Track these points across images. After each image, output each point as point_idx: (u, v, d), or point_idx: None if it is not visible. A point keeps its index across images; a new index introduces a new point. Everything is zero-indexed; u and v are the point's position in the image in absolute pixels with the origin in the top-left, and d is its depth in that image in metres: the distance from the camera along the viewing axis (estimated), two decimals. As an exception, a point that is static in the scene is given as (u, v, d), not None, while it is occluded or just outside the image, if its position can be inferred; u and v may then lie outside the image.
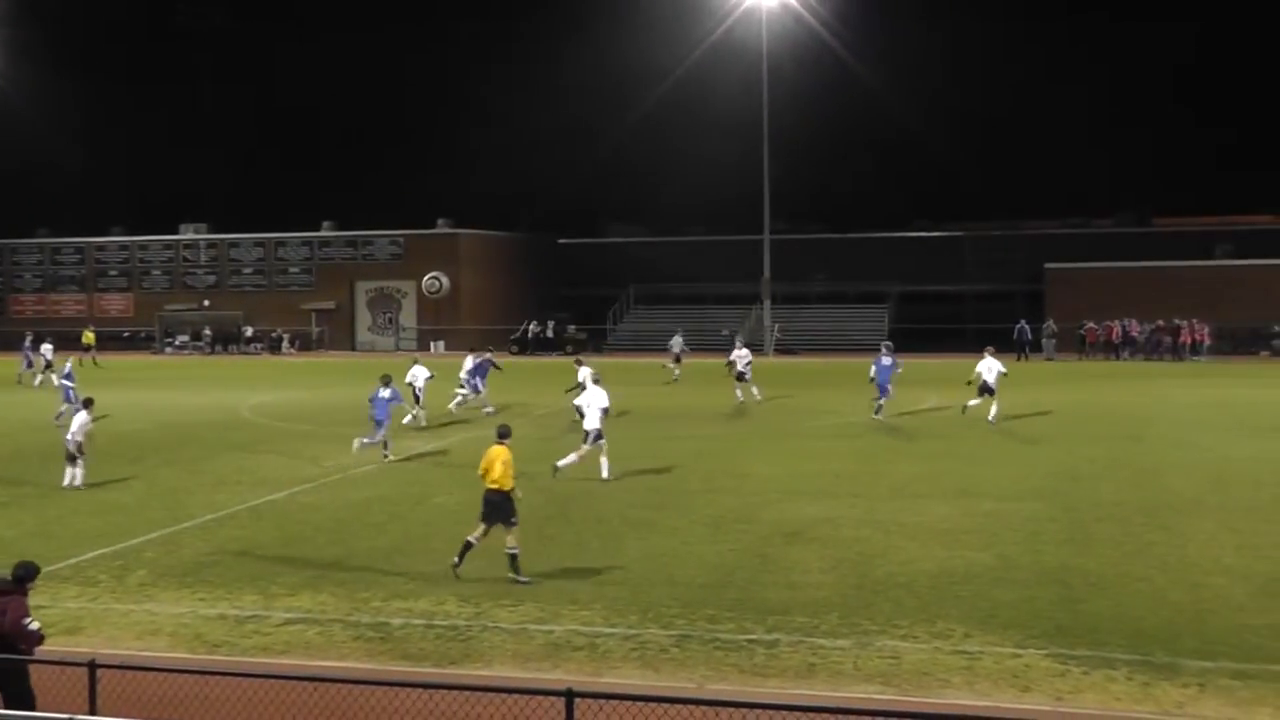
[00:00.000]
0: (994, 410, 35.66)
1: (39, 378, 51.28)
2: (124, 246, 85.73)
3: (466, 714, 10.83)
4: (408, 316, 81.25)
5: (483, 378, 40.61)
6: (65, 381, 40.08)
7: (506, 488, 18.23)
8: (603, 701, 10.10)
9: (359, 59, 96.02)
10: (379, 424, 29.84)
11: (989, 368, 36.48)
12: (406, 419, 35.70)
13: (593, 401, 27.08)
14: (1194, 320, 65.64)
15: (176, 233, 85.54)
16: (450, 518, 22.90)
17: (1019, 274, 78.64)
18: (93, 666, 10.65)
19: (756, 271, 74.51)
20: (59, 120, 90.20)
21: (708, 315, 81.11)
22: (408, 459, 30.27)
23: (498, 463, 18.28)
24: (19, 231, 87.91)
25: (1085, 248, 77.04)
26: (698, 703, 10.15)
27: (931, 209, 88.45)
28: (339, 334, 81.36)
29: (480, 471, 18.59)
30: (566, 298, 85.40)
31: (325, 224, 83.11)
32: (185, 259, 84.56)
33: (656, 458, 30.24)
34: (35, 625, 11.90)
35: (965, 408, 36.60)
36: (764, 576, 18.33)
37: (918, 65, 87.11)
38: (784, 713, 10.34)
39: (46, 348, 53.27)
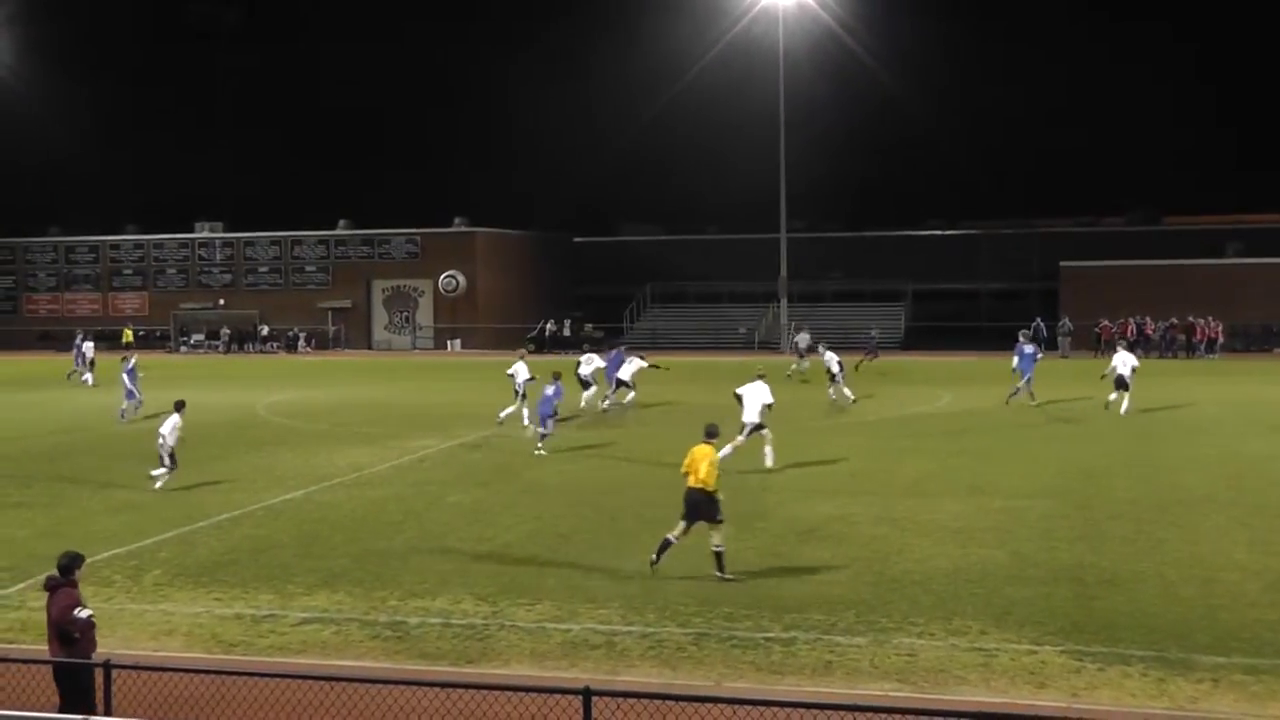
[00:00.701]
0: (1126, 405, 36.07)
1: (87, 376, 51.23)
2: (139, 245, 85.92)
3: (484, 713, 10.88)
4: (424, 315, 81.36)
5: (615, 369, 39.76)
6: (127, 378, 39.91)
7: (711, 487, 18.05)
8: (620, 700, 10.14)
9: (376, 58, 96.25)
10: (544, 419, 30.57)
11: (1123, 362, 36.97)
12: (503, 414, 35.13)
13: (754, 396, 27.44)
14: (1209, 318, 65.52)
15: (191, 231, 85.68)
16: (466, 517, 22.97)
17: (1033, 272, 78.59)
18: (108, 667, 10.70)
19: (773, 270, 74.49)
20: (73, 118, 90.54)
21: (724, 314, 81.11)
22: (421, 457, 30.35)
23: (704, 462, 18.06)
24: (33, 230, 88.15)
25: (1098, 246, 76.95)
26: (715, 701, 10.18)
27: (946, 208, 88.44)
28: (355, 333, 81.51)
29: (683, 470, 18.41)
30: (583, 296, 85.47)
31: (341, 222, 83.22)
32: (200, 257, 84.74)
33: (671, 454, 30.23)
34: (86, 613, 11.84)
35: (1108, 403, 36.88)
36: (780, 574, 18.36)
37: (932, 65, 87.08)
38: (801, 710, 10.38)
39: (88, 346, 53.10)
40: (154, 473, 26.04)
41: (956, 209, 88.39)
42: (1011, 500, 23.75)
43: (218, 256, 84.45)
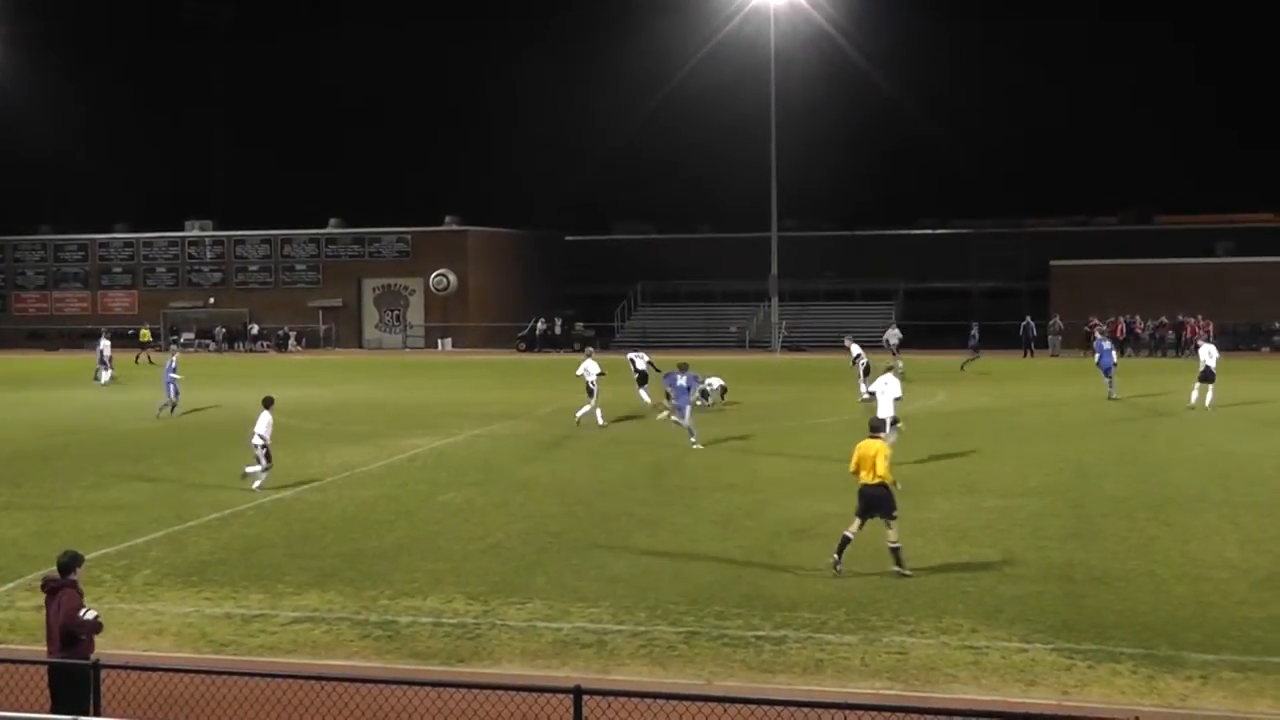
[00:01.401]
0: (1210, 397, 36.58)
1: (104, 374, 51.15)
2: (128, 243, 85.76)
3: (475, 712, 10.87)
4: (415, 314, 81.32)
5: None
6: (172, 375, 40.31)
7: (888, 480, 18.04)
8: (611, 699, 10.14)
9: (367, 56, 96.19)
10: (681, 410, 31.43)
11: (1210, 353, 37.44)
12: (581, 412, 35.21)
13: (887, 391, 27.93)
14: (1199, 317, 65.70)
15: (181, 229, 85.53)
16: (457, 516, 22.96)
17: (1024, 271, 78.78)
18: (96, 667, 10.66)
19: (764, 269, 74.53)
20: (62, 116, 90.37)
21: (715, 313, 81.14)
22: (412, 456, 30.33)
23: (879, 457, 17.99)
24: (22, 228, 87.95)
25: (1088, 245, 77.14)
26: (706, 699, 10.18)
27: (937, 207, 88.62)
28: (346, 331, 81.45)
29: (852, 468, 18.36)
30: (574, 295, 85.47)
31: (332, 221, 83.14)
32: (190, 256, 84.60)
33: (662, 454, 30.29)
34: (92, 614, 11.78)
35: (1190, 404, 37.10)
36: (771, 573, 18.36)
37: (924, 65, 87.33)
38: (792, 709, 10.39)
39: (105, 344, 52.99)
40: (248, 470, 25.72)
41: (948, 208, 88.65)
42: (1003, 499, 23.78)
43: (208, 255, 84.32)
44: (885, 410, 27.20)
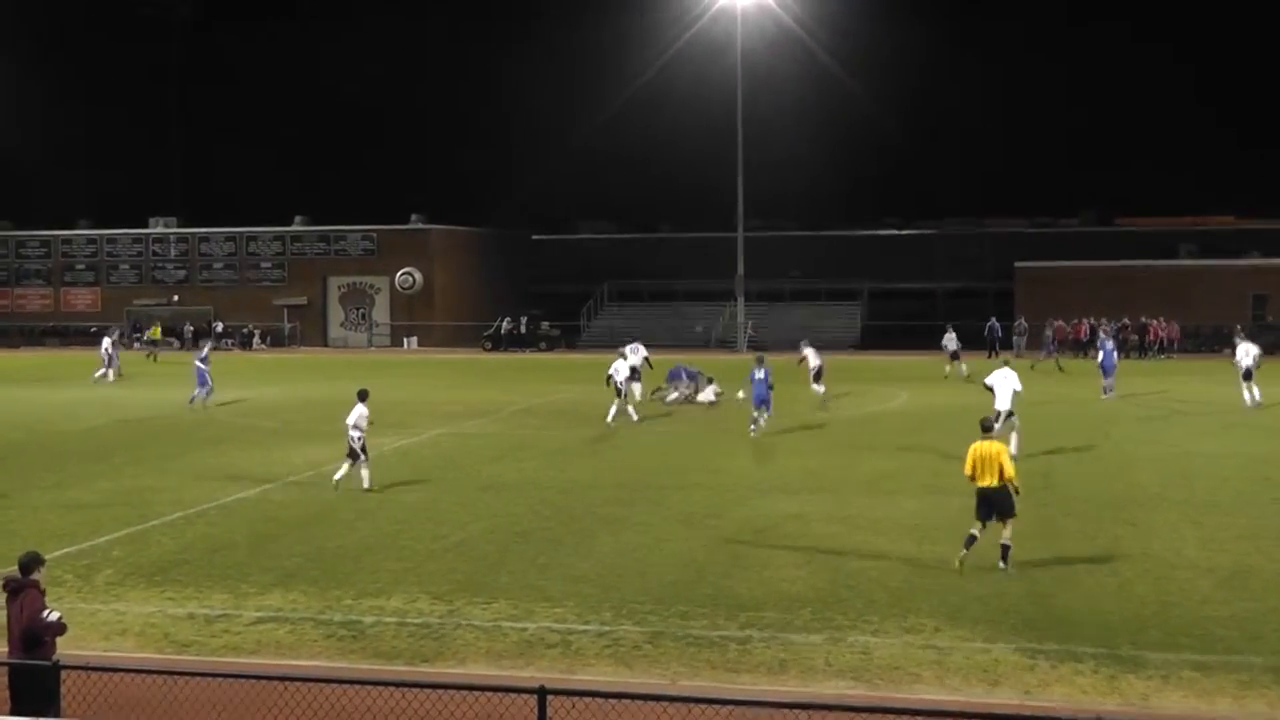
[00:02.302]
0: (1257, 394, 37.38)
1: (106, 372, 51.00)
2: (91, 240, 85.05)
3: (439, 712, 10.83)
4: (380, 312, 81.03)
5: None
6: (201, 366, 41.29)
7: (1014, 482, 18.13)
8: (576, 699, 10.12)
9: (331, 53, 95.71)
10: (759, 402, 32.34)
11: (1246, 351, 37.87)
12: (611, 413, 35.37)
13: (1005, 384, 28.51)
14: (1161, 318, 66.19)
15: (145, 226, 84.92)
16: (422, 515, 22.89)
17: (989, 272, 79.11)
18: (57, 667, 10.57)
19: (730, 269, 74.63)
20: (24, 111, 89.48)
21: (681, 312, 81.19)
22: (376, 455, 30.20)
23: (1005, 459, 18.11)
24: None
25: (1052, 247, 77.55)
26: (671, 699, 10.18)
27: (903, 208, 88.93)
28: (311, 330, 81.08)
29: (968, 470, 18.33)
30: (540, 294, 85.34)
31: (297, 218, 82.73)
32: (154, 253, 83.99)
33: (627, 454, 30.30)
34: (55, 615, 11.66)
35: (1244, 403, 37.45)
36: (736, 572, 18.39)
37: (890, 65, 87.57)
38: (757, 709, 10.40)
39: (107, 342, 53.13)
40: (340, 474, 25.21)
41: (913, 209, 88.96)
42: (967, 498, 23.70)
43: (172, 252, 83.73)
44: (1003, 403, 28.04)
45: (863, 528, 21.25)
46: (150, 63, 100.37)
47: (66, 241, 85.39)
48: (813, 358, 40.51)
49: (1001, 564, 18.13)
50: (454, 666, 14.55)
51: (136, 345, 79.38)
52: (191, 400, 40.81)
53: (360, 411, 25.25)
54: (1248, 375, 37.71)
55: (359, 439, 24.95)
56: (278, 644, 15.48)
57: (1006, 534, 18.14)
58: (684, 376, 37.55)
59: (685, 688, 13.55)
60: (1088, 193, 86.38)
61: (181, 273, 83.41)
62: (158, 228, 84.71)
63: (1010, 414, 28.09)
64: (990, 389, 29.09)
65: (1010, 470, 18.15)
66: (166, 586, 18.00)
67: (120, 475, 27.45)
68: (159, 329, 71.52)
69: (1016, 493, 18.36)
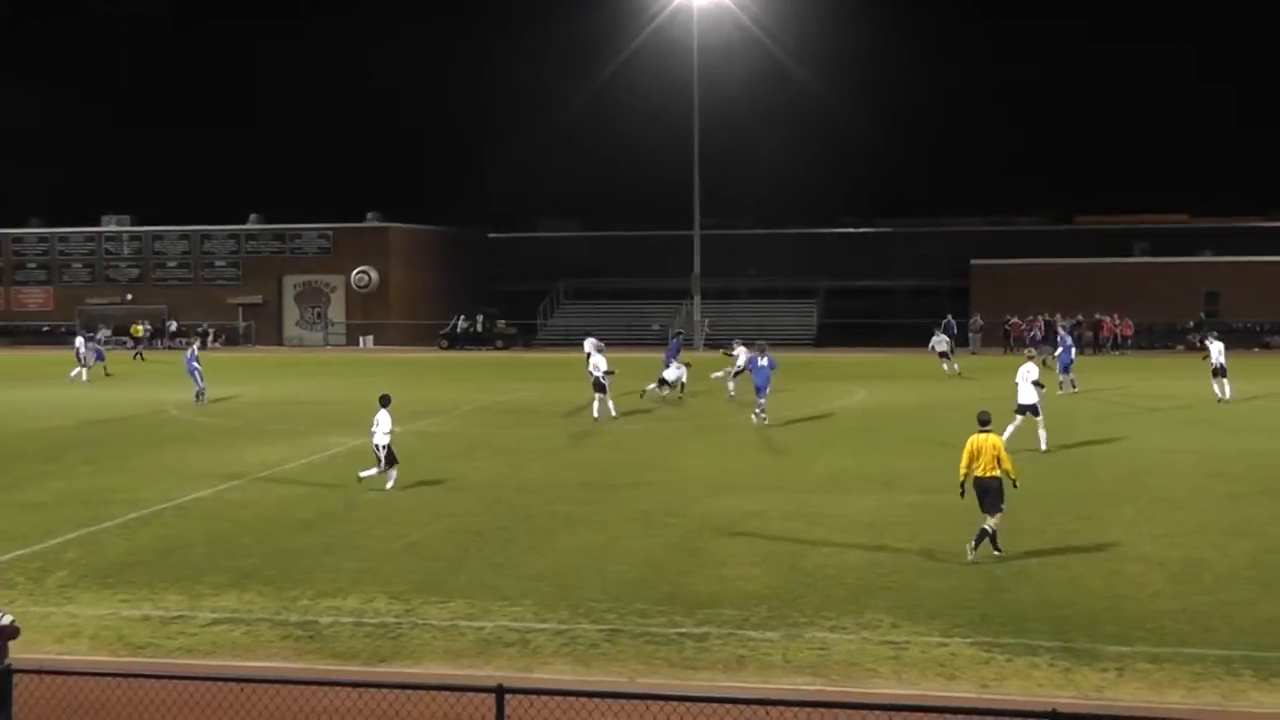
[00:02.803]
0: (1229, 390, 38.41)
1: (79, 370, 50.84)
2: (43, 239, 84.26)
3: (397, 712, 10.80)
4: (336, 311, 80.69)
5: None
6: (194, 364, 42.75)
7: (1011, 474, 18.67)
8: (534, 697, 10.11)
9: (285, 49, 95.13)
10: (760, 389, 34.17)
11: (1219, 350, 39.37)
12: (596, 410, 35.99)
13: (1027, 379, 29.48)
14: (1115, 315, 66.80)
15: (98, 224, 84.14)
16: (379, 514, 22.81)
17: (945, 270, 79.58)
18: (8, 672, 10.45)
19: (687, 267, 74.73)
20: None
21: (638, 310, 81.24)
22: (333, 455, 30.08)
23: (1002, 452, 18.69)
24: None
25: (1009, 245, 78.10)
26: (629, 697, 10.19)
27: (859, 206, 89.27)
28: (266, 329, 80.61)
29: (965, 462, 18.78)
30: (496, 292, 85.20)
31: (252, 217, 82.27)
32: (107, 252, 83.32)
33: (584, 452, 30.29)
34: (7, 619, 11.48)
35: (1218, 398, 38.45)
36: (693, 570, 18.42)
37: (847, 63, 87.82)
38: (715, 705, 10.42)
39: (79, 341, 53.19)
40: (365, 473, 24.97)
41: (869, 207, 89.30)
42: (923, 495, 24.01)
43: (125, 251, 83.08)
44: (1026, 398, 29.16)
45: (820, 525, 21.33)
46: (103, 58, 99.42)
47: (17, 240, 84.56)
48: (740, 357, 40.50)
49: (972, 547, 18.51)
50: (411, 666, 14.50)
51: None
52: (198, 398, 41.96)
53: (384, 418, 24.89)
54: (1221, 372, 38.70)
55: (385, 445, 24.67)
56: (234, 645, 15.38)
57: (992, 523, 18.61)
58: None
59: (643, 685, 13.56)
60: (1044, 192, 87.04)
61: (135, 271, 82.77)
62: (111, 226, 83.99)
63: (1032, 408, 29.17)
64: (1017, 385, 30.17)
65: (1008, 463, 18.72)
66: (121, 588, 17.84)
67: (74, 475, 27.19)
68: (140, 327, 71.13)
69: (1014, 485, 18.86)
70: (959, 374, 48.80)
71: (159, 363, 63.92)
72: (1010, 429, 28.01)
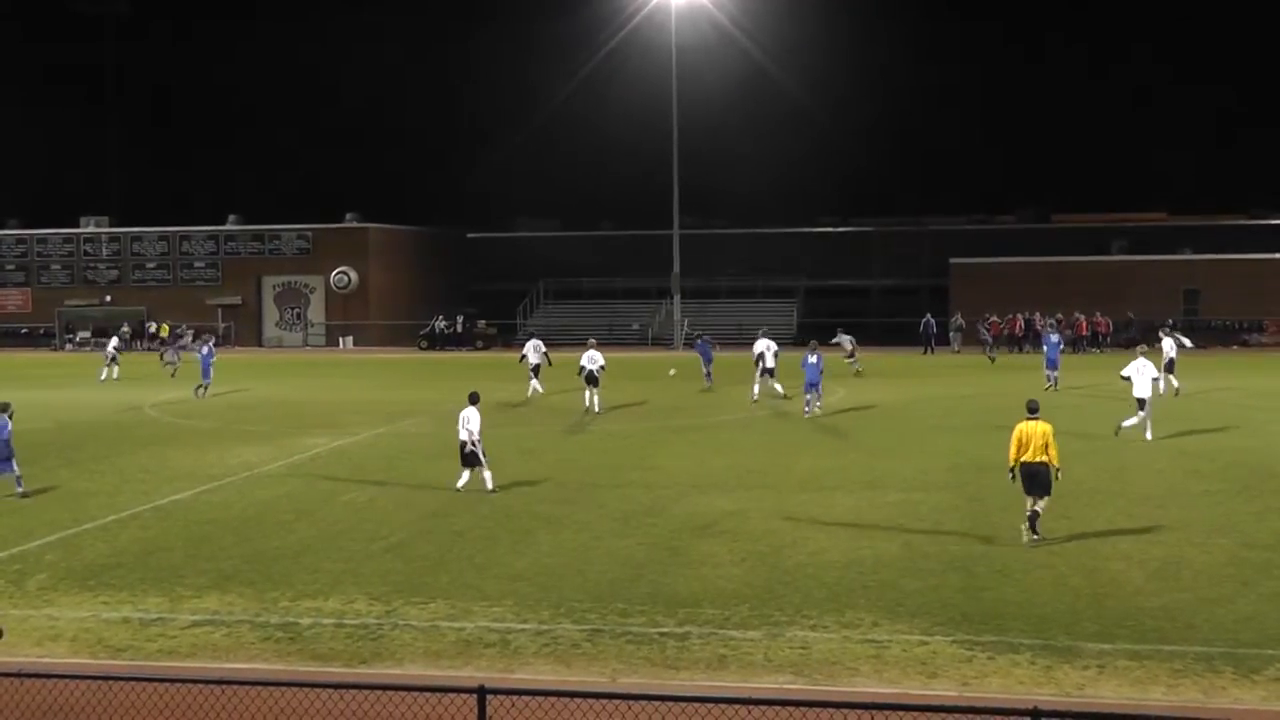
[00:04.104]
0: (1175, 383, 39.83)
1: (106, 372, 51.78)
2: (21, 240, 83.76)
3: (378, 713, 10.78)
4: (316, 312, 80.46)
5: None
6: (209, 360, 44.81)
7: (1055, 464, 19.45)
8: (515, 698, 10.11)
9: (262, 50, 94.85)
10: (811, 385, 35.72)
11: (1171, 345, 41.01)
12: (592, 403, 37.81)
13: (1144, 374, 30.46)
14: (1096, 314, 67.04)
15: (77, 226, 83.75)
16: (359, 515, 22.76)
17: (924, 269, 79.78)
18: (-9, 673, 10.42)
19: (666, 266, 74.74)
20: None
21: (618, 310, 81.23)
22: (313, 456, 30.01)
23: (1050, 441, 19.44)
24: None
25: (988, 244, 78.29)
26: (610, 697, 10.18)
27: (839, 205, 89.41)
28: (245, 330, 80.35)
29: (1013, 449, 19.59)
30: (476, 292, 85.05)
31: (231, 217, 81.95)
32: (86, 253, 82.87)
33: (565, 452, 30.28)
34: None
35: (1176, 391, 39.72)
36: (674, 570, 18.42)
37: (826, 63, 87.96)
38: (696, 705, 10.42)
39: (114, 341, 55.12)
40: (463, 481, 24.49)
41: (849, 206, 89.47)
42: (904, 493, 24.07)
43: (104, 252, 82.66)
44: (1142, 391, 30.29)
45: (800, 524, 21.35)
46: (80, 60, 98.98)
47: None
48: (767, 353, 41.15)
49: (1027, 529, 19.41)
50: (392, 667, 14.48)
51: (69, 346, 78.46)
52: (197, 391, 44.09)
53: (472, 415, 24.38)
54: (1169, 367, 39.83)
55: (475, 443, 24.21)
56: (214, 647, 15.33)
57: (1041, 504, 19.49)
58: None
59: (624, 685, 13.56)
60: (1024, 190, 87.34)
61: (114, 273, 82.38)
62: (89, 227, 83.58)
63: (1143, 403, 30.34)
64: (1128, 379, 30.96)
65: (1055, 453, 19.55)
66: (100, 590, 17.78)
67: (52, 478, 27.05)
68: (167, 328, 71.16)
69: (1057, 477, 19.68)
70: (860, 373, 48.79)
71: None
72: (1133, 421, 30.30)
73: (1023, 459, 19.50)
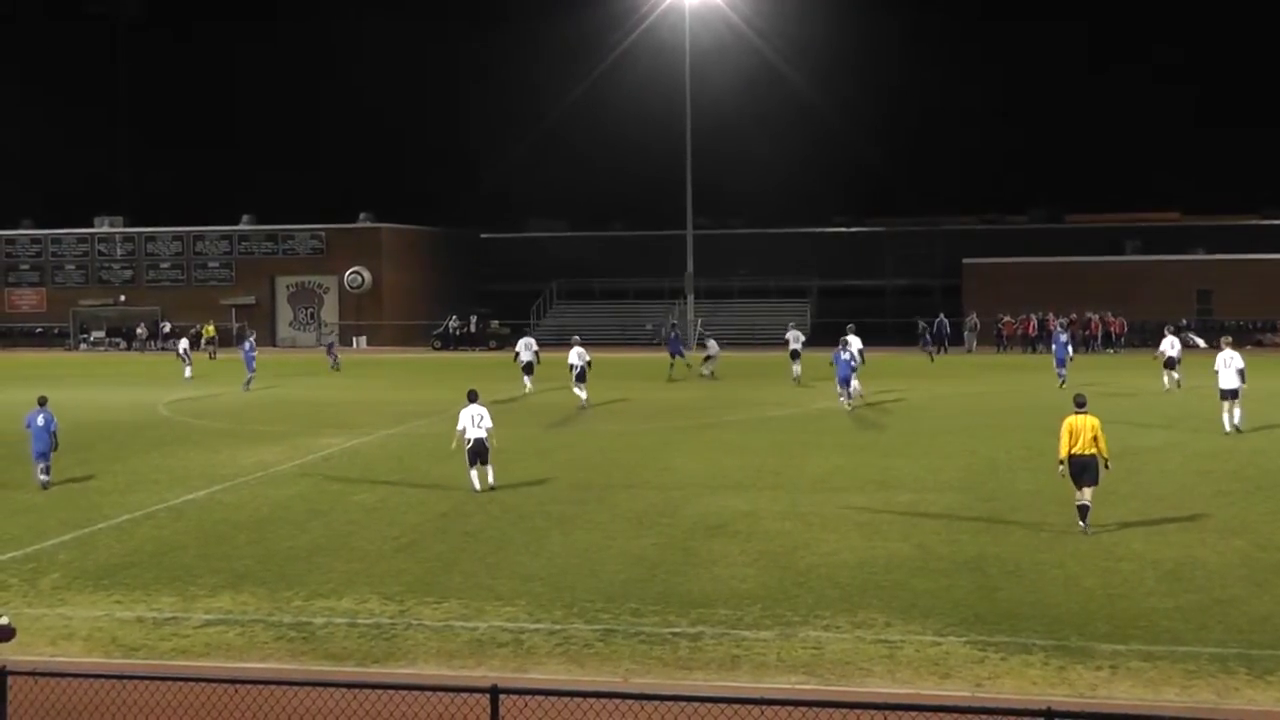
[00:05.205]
0: (1177, 378, 41.19)
1: (187, 370, 53.70)
2: (36, 240, 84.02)
3: (391, 713, 10.80)
4: (329, 312, 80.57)
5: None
6: (251, 355, 47.04)
7: (1105, 455, 20.14)
8: (528, 697, 10.12)
9: (277, 52, 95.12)
10: (845, 380, 37.00)
11: (1172, 344, 41.83)
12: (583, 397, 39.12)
13: (1231, 366, 31.22)
14: (1108, 313, 66.89)
15: (91, 226, 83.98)
16: (372, 515, 22.79)
17: (937, 269, 79.65)
18: (3, 674, 10.45)
19: (679, 266, 74.71)
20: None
21: (630, 310, 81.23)
22: (326, 456, 30.06)
23: (1100, 433, 20.12)
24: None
25: (1001, 244, 78.16)
26: (623, 697, 10.19)
27: (852, 205, 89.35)
28: (259, 330, 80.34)
29: (1064, 442, 20.16)
30: (489, 292, 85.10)
31: (245, 218, 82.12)
32: (100, 253, 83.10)
33: (577, 452, 30.28)
34: (4, 619, 11.45)
35: (1180, 385, 41.02)
36: (687, 570, 18.42)
37: (839, 63, 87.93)
38: (709, 705, 10.43)
39: (184, 343, 57.72)
40: (478, 483, 24.66)
41: (862, 207, 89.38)
42: (917, 494, 24.04)
43: (118, 252, 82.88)
44: (1228, 383, 31.07)
45: (813, 524, 21.34)
46: (95, 60, 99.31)
47: (10, 241, 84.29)
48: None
49: (1081, 524, 20.00)
50: (405, 667, 14.50)
51: (83, 346, 78.69)
52: (247, 385, 46.06)
53: (483, 411, 24.83)
54: (1170, 364, 41.29)
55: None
56: (228, 646, 15.37)
57: (1087, 496, 20.09)
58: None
59: (637, 685, 13.57)
60: (1036, 190, 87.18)
61: (128, 273, 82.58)
62: (103, 227, 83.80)
63: (1233, 393, 31.00)
64: (1217, 373, 31.71)
65: (1104, 445, 20.21)
66: (114, 590, 17.83)
67: (65, 478, 27.09)
68: (212, 327, 71.54)
69: (1106, 467, 20.32)
70: (798, 380, 48.06)
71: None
72: (1225, 414, 30.98)
73: (1073, 452, 20.05)
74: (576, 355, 39.82)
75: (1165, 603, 16.40)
